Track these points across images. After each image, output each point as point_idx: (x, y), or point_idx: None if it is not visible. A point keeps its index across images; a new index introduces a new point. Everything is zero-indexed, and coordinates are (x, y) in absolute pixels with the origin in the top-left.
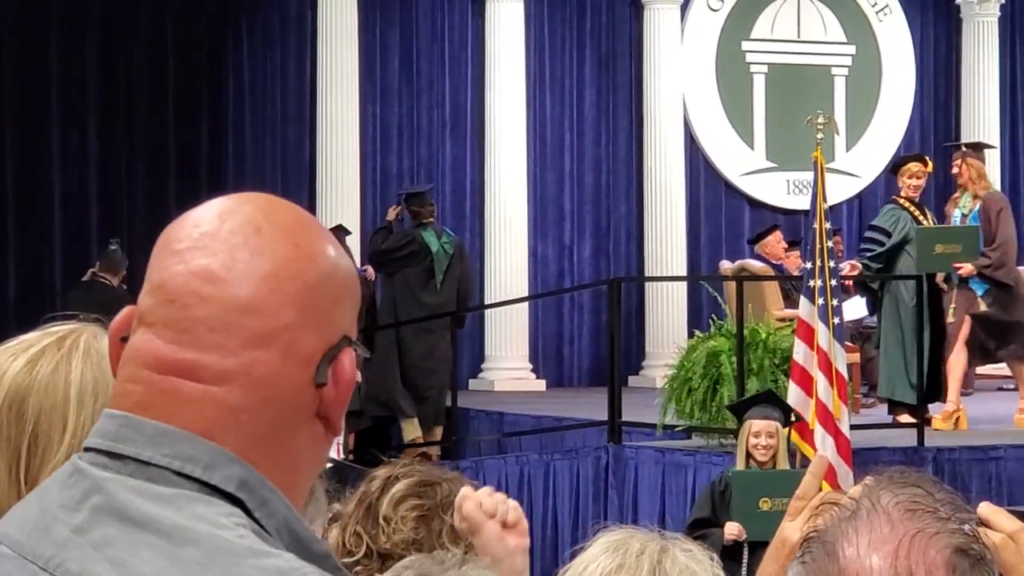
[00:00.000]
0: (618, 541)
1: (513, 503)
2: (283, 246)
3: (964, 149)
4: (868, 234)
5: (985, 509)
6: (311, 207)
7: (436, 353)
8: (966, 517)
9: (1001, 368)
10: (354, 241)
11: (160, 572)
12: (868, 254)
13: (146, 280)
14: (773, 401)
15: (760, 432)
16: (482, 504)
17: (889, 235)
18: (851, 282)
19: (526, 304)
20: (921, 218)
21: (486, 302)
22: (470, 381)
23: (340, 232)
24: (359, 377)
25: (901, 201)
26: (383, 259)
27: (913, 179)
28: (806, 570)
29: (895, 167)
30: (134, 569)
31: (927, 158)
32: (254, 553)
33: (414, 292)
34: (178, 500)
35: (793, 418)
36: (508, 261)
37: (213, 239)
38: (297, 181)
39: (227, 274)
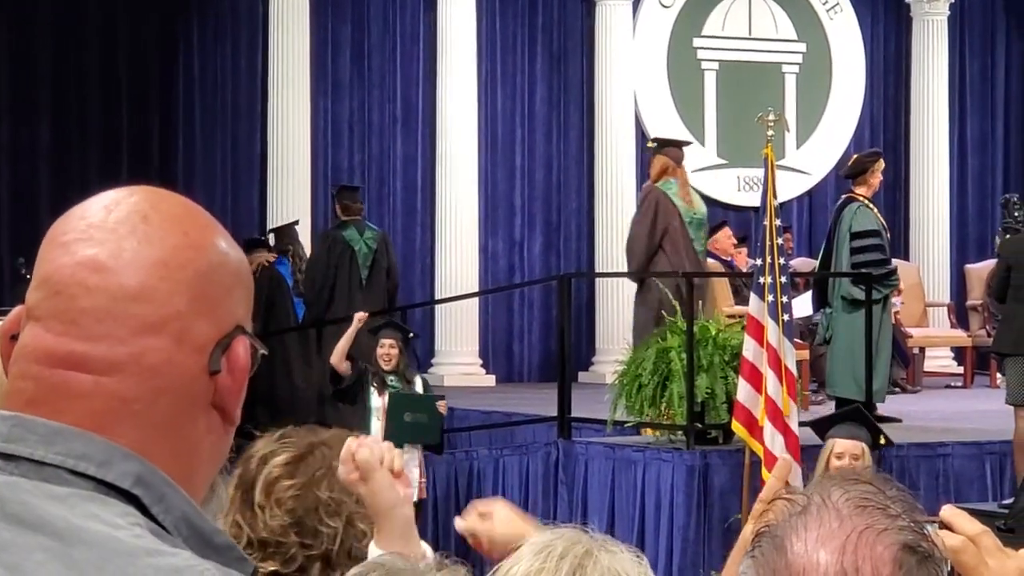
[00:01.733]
0: (544, 543)
1: (397, 450)
2: (171, 235)
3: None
4: (868, 241)
5: (947, 511)
6: (262, 201)
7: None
8: (917, 515)
9: (948, 366)
10: (304, 232)
11: (49, 573)
12: (880, 262)
13: (33, 276)
14: (859, 419)
15: (844, 454)
16: (372, 452)
17: (880, 234)
18: (802, 279)
19: (476, 299)
20: (880, 218)
21: (436, 297)
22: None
23: (289, 230)
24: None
25: (862, 200)
26: (321, 282)
27: (881, 176)
28: (756, 564)
29: (861, 166)
30: (29, 573)
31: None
32: (150, 552)
33: (348, 292)
34: (72, 499)
35: (882, 440)
36: (458, 256)
37: (99, 230)
38: (248, 175)
39: (114, 263)
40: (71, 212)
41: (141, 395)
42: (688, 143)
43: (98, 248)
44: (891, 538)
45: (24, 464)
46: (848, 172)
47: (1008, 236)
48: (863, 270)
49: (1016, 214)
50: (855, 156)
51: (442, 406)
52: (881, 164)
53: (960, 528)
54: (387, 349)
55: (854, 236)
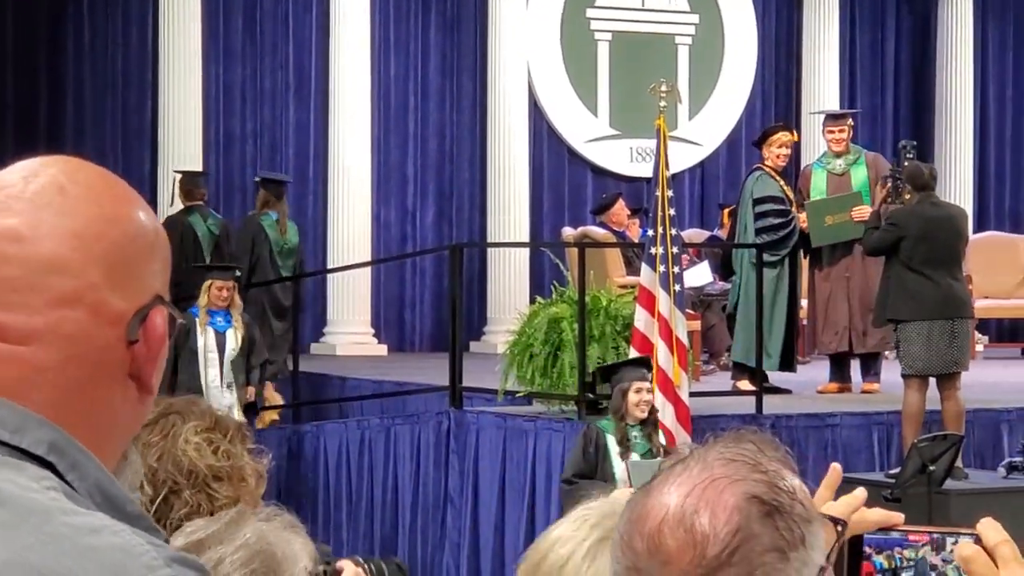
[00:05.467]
0: (583, 509)
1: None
2: (88, 206)
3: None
4: (767, 207)
5: (984, 521)
6: (153, 169)
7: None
8: (788, 474)
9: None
10: None
11: None
12: (779, 226)
13: None
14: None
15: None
16: None
17: (783, 200)
18: (695, 249)
19: (368, 269)
20: (786, 188)
21: (328, 266)
22: (312, 345)
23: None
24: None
25: (766, 169)
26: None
27: (783, 148)
28: (627, 507)
29: (763, 136)
30: None
31: (792, 129)
32: (65, 511)
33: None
34: None
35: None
36: (351, 226)
37: (17, 200)
38: (139, 143)
39: (31, 233)
40: None
41: (56, 364)
42: (288, 181)
43: (15, 219)
44: (741, 487)
45: None
46: (755, 141)
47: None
48: (763, 236)
49: (909, 157)
50: (765, 129)
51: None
52: (780, 136)
53: (984, 537)
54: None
55: (755, 203)
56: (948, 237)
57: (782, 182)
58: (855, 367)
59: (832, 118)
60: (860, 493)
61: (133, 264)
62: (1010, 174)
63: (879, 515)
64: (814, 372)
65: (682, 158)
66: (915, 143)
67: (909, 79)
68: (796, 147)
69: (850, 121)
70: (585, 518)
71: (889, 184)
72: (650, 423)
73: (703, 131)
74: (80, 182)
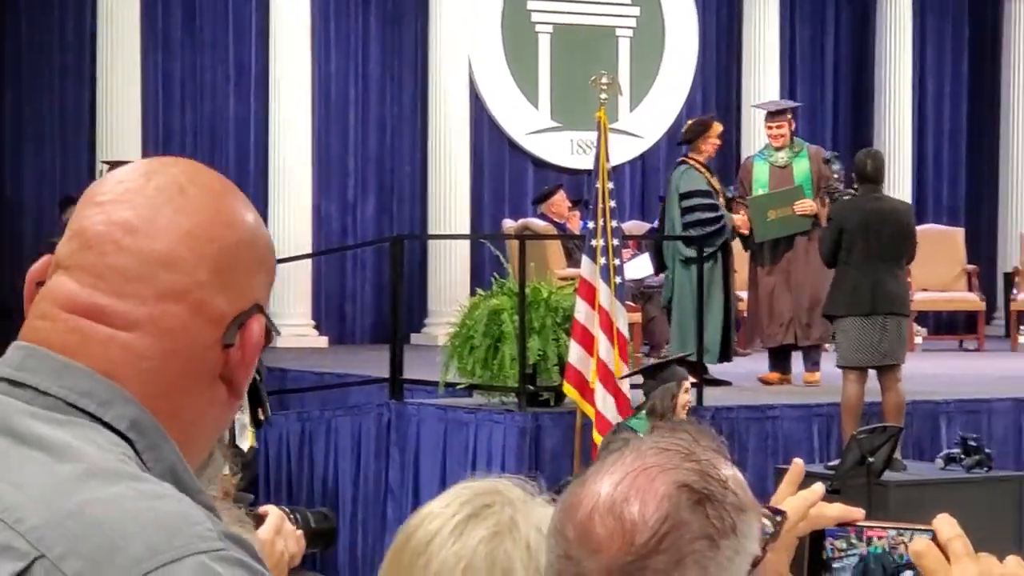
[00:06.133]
0: (459, 487)
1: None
2: (205, 209)
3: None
4: (695, 201)
5: (940, 517)
6: (91, 162)
7: None
8: (721, 465)
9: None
10: None
11: (34, 480)
12: (708, 221)
13: (67, 230)
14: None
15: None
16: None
17: (711, 194)
18: (635, 241)
19: (309, 261)
20: (713, 180)
21: None
22: None
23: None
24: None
25: (692, 163)
26: None
27: (719, 139)
28: (562, 496)
29: (702, 128)
30: (11, 477)
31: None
32: (134, 476)
33: None
34: (69, 425)
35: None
36: (291, 218)
37: (137, 195)
38: (76, 136)
39: (147, 228)
40: (110, 175)
41: (152, 354)
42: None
43: (133, 212)
44: (672, 476)
45: (29, 392)
46: (683, 137)
47: (839, 199)
48: (691, 231)
49: (834, 168)
50: (690, 122)
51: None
52: (716, 128)
53: (939, 532)
54: None
55: (682, 197)
56: (888, 231)
57: (708, 175)
58: (796, 358)
59: (772, 114)
60: (818, 488)
61: (241, 270)
62: (948, 168)
63: (839, 510)
64: (754, 365)
65: (623, 150)
66: (838, 153)
67: (848, 73)
68: (737, 140)
69: (790, 116)
70: (458, 495)
71: (828, 200)
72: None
73: (644, 123)
74: (200, 184)
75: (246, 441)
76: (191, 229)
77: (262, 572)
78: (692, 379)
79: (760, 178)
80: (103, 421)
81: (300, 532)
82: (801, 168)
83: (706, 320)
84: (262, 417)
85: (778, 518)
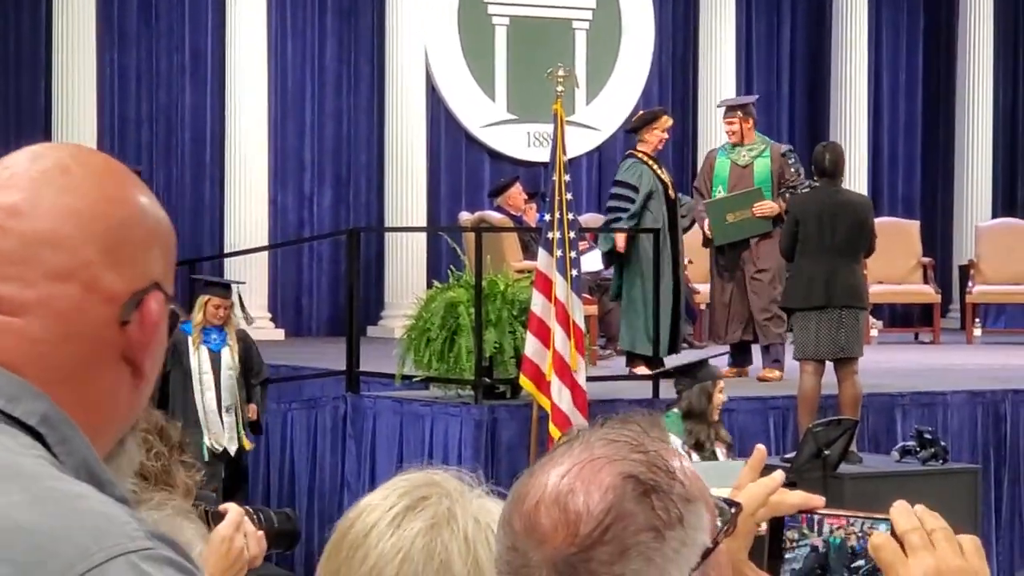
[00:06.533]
0: (397, 479)
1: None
2: (91, 187)
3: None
4: (617, 190)
5: (896, 505)
6: None
7: None
8: (669, 456)
9: None
10: None
11: None
12: (623, 214)
13: None
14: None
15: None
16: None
17: (637, 190)
18: (591, 234)
19: (265, 253)
20: (660, 173)
21: (225, 251)
22: None
23: None
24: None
25: (640, 155)
26: None
27: (666, 133)
28: (512, 488)
29: (650, 118)
30: None
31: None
32: (53, 476)
33: None
34: None
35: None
36: (248, 210)
37: (21, 178)
38: (31, 127)
39: (31, 210)
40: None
41: (47, 338)
42: (136, 168)
43: (17, 195)
44: (618, 467)
45: None
46: (631, 125)
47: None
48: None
49: (791, 163)
50: (640, 113)
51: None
52: (664, 121)
53: (895, 524)
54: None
55: (614, 184)
56: (844, 224)
57: (656, 167)
58: (756, 352)
59: (727, 109)
60: (778, 476)
61: (132, 247)
62: (903, 160)
63: (800, 498)
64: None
65: (579, 143)
66: (793, 148)
67: (804, 66)
68: (694, 133)
69: (739, 114)
70: (396, 487)
71: (788, 196)
72: (717, 422)
73: (600, 116)
74: (85, 164)
75: (232, 443)
76: (76, 207)
77: (191, 569)
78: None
79: (720, 174)
80: (12, 417)
81: (261, 533)
82: (762, 168)
83: (656, 313)
84: (251, 417)
85: (732, 509)
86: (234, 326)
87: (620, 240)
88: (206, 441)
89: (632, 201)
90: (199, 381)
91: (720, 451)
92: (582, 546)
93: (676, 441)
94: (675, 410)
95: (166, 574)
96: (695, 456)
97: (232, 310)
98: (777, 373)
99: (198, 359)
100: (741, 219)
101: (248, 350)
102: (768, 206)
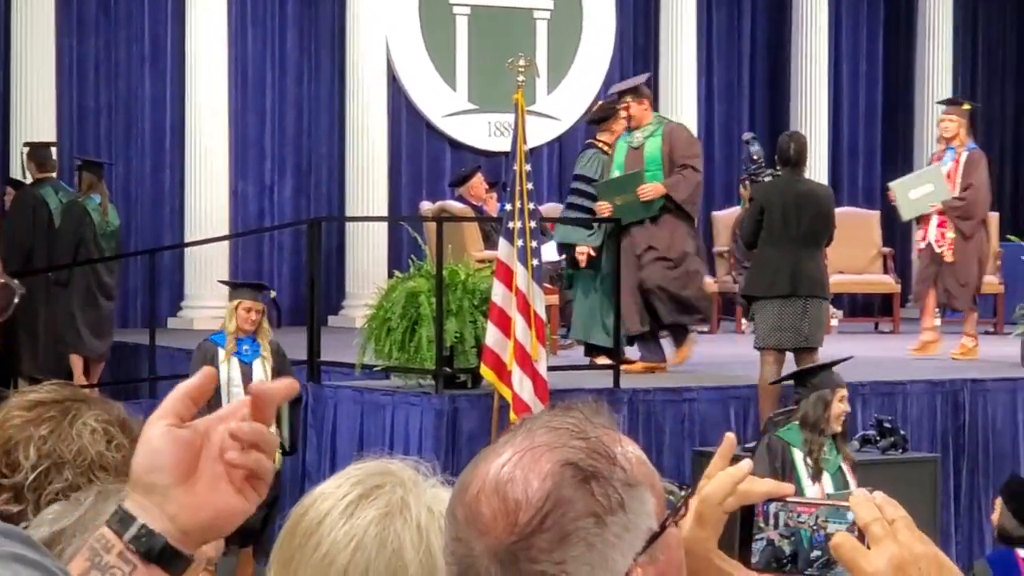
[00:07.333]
0: (351, 469)
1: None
2: None
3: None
4: (577, 185)
5: (855, 495)
6: (5, 143)
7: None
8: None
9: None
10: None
11: None
12: (582, 212)
13: None
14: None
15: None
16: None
17: (591, 183)
18: (553, 224)
19: (226, 243)
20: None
21: (185, 240)
22: (169, 319)
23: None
24: None
25: (600, 145)
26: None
27: (626, 123)
28: (459, 478)
29: (613, 110)
30: None
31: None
32: None
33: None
34: None
35: None
36: (208, 199)
37: None
38: None
39: None
40: None
41: None
42: (109, 164)
43: None
44: (558, 455)
45: None
46: (592, 118)
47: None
48: (570, 213)
49: (752, 149)
50: (600, 103)
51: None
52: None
53: (857, 516)
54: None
55: (574, 178)
56: (808, 214)
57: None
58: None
59: (618, 95)
60: (744, 465)
61: None
62: (863, 150)
63: (768, 486)
64: (668, 347)
65: (540, 132)
66: (755, 134)
67: (765, 55)
68: None
69: (629, 98)
70: (350, 476)
71: (749, 183)
72: (840, 435)
73: (561, 106)
74: None
75: None
76: None
77: (39, 562)
78: (846, 389)
79: (618, 159)
80: None
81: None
82: (652, 148)
83: (609, 304)
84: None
85: (682, 492)
86: (267, 335)
87: (587, 250)
88: None
89: (592, 198)
90: (228, 395)
91: (846, 468)
92: (522, 534)
93: (798, 455)
94: (795, 421)
95: (13, 571)
96: (824, 474)
97: (263, 315)
98: (685, 351)
99: (228, 371)
100: (628, 202)
101: (282, 362)
102: (649, 189)
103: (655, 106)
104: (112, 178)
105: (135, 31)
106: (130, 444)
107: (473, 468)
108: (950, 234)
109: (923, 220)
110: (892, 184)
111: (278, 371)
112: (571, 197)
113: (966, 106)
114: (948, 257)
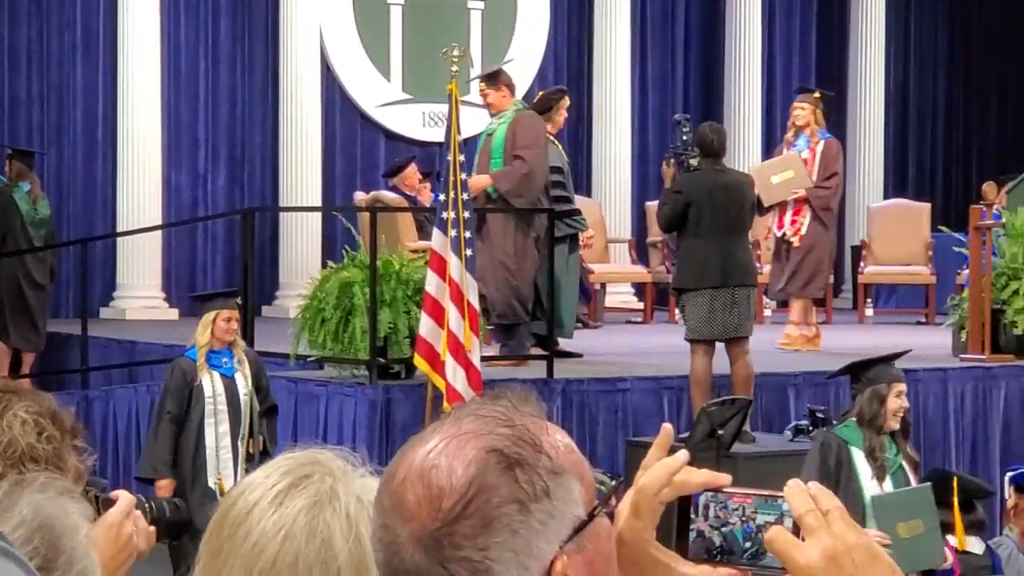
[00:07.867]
0: (279, 458)
1: None
2: None
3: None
4: (556, 177)
5: (789, 485)
6: None
7: None
8: (538, 431)
9: (629, 301)
10: None
11: None
12: (560, 199)
13: None
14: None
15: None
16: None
17: (561, 171)
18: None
19: (159, 232)
20: (562, 152)
21: (118, 230)
22: (101, 310)
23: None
24: None
25: (549, 136)
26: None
27: (566, 113)
28: (387, 466)
29: (558, 98)
30: None
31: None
32: None
33: None
34: None
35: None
36: (141, 189)
37: None
38: None
39: None
40: None
41: None
42: (40, 153)
43: None
44: (483, 442)
45: None
46: (537, 108)
47: (687, 171)
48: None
49: (684, 130)
50: (541, 93)
51: None
52: (566, 101)
53: (791, 507)
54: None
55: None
56: (733, 203)
57: (559, 147)
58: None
59: (479, 82)
60: (681, 456)
61: None
62: None
63: (705, 476)
64: (606, 337)
65: (474, 123)
66: (688, 116)
67: (699, 46)
68: (589, 112)
69: (483, 85)
70: (279, 466)
71: (674, 162)
72: (899, 432)
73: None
74: None
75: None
76: None
77: (14, 553)
78: (904, 383)
79: (478, 147)
80: None
81: (152, 529)
82: (498, 136)
83: (562, 295)
84: (251, 451)
85: (613, 482)
86: (240, 344)
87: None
88: (211, 482)
89: (561, 185)
90: (213, 414)
91: (908, 468)
92: (445, 520)
93: (858, 454)
94: (853, 418)
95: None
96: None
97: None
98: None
99: (212, 388)
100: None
101: (259, 370)
102: (474, 180)
103: (588, 98)
104: (44, 167)
105: (67, 19)
106: (61, 435)
107: (400, 456)
108: (804, 220)
109: (781, 208)
110: (753, 168)
111: (256, 380)
112: (553, 190)
113: (817, 95)
114: (796, 243)
